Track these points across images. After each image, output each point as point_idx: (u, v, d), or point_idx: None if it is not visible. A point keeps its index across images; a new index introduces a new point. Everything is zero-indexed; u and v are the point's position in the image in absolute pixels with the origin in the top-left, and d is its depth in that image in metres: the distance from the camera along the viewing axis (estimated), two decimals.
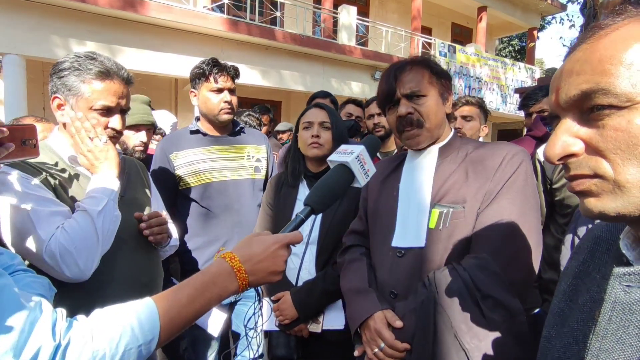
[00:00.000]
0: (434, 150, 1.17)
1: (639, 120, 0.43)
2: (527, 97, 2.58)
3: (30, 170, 1.08)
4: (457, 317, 0.93)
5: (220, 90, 1.80)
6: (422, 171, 1.16)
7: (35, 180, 1.06)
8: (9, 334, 0.52)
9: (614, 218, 0.46)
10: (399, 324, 1.03)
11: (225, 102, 1.80)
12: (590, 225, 1.21)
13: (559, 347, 0.57)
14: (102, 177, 1.12)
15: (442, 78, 1.17)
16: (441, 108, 1.16)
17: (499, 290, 0.93)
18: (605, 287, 0.51)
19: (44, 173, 1.09)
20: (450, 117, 1.22)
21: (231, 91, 1.84)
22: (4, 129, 0.76)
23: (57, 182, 1.12)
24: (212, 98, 1.80)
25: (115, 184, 1.13)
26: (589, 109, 0.46)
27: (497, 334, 0.91)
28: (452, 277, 0.97)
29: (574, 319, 0.56)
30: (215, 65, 1.79)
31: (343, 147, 0.89)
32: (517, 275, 0.99)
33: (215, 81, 1.78)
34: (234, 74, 1.86)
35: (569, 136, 0.48)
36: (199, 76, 1.80)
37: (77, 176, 1.19)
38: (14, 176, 1.03)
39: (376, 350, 1.03)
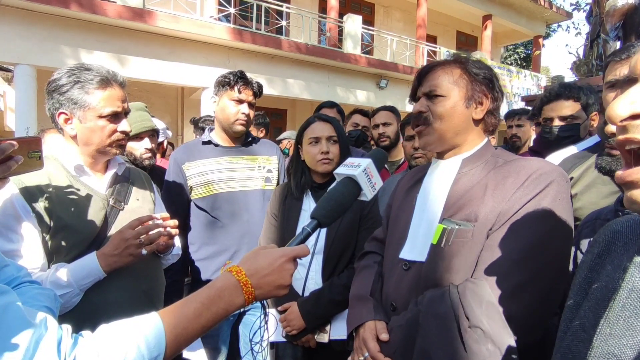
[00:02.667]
0: (456, 161, 1.07)
1: None
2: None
3: (27, 193, 1.10)
4: (435, 342, 0.84)
5: (240, 101, 1.85)
6: (440, 182, 1.08)
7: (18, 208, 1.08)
8: (13, 352, 0.51)
9: None
10: (384, 337, 0.99)
11: (243, 113, 1.84)
12: (591, 240, 1.17)
13: (568, 335, 0.56)
14: (94, 265, 1.14)
15: (478, 80, 1.05)
16: (462, 111, 1.04)
17: (490, 322, 0.82)
18: (615, 276, 0.50)
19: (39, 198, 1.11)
20: (487, 126, 1.09)
21: (250, 105, 1.88)
22: (14, 142, 0.77)
23: (49, 205, 1.13)
24: (231, 107, 1.84)
25: (93, 276, 1.14)
26: None
27: None
28: (442, 299, 0.88)
29: (583, 308, 0.56)
30: (241, 78, 1.85)
31: (350, 160, 0.88)
32: (517, 310, 0.85)
33: (239, 92, 1.83)
34: (258, 90, 1.91)
35: None
36: (223, 84, 1.85)
37: (79, 190, 1.20)
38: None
39: (361, 358, 1.02)
